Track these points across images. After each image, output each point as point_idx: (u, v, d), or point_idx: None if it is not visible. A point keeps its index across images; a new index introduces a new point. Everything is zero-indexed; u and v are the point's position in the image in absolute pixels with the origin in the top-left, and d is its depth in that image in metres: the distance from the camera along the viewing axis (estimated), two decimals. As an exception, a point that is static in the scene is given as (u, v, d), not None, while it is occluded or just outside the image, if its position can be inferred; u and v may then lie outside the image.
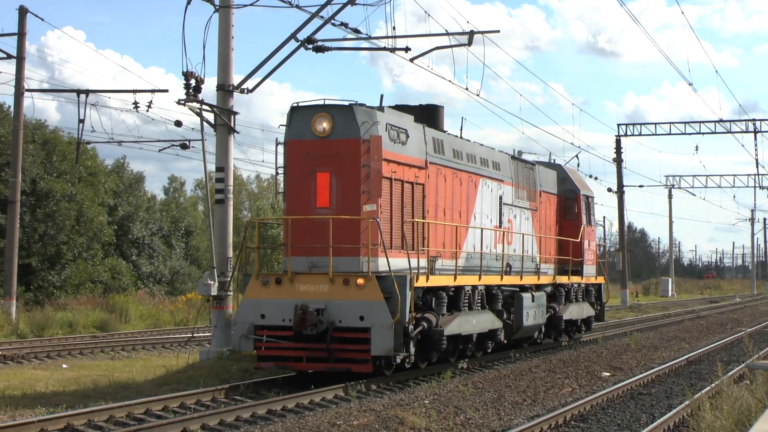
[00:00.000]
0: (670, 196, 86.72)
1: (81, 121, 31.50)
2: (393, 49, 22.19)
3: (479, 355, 21.93)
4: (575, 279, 27.85)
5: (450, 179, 20.70)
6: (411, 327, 17.46)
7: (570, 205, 28.36)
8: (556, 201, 27.98)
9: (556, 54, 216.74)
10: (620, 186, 60.10)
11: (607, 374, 20.14)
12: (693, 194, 76.81)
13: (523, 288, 23.40)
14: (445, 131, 21.18)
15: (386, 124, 18.10)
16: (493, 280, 21.91)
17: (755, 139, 56.69)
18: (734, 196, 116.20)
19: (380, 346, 16.90)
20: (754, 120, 57.08)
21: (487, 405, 15.22)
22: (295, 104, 18.05)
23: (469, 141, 22.39)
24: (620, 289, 62.49)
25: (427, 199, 19.50)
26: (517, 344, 24.78)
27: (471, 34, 22.59)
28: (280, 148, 18.50)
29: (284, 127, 18.25)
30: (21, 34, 33.44)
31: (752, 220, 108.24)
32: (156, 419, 14.00)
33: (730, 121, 57.01)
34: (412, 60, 22.60)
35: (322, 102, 18.01)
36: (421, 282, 18.03)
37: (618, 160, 59.80)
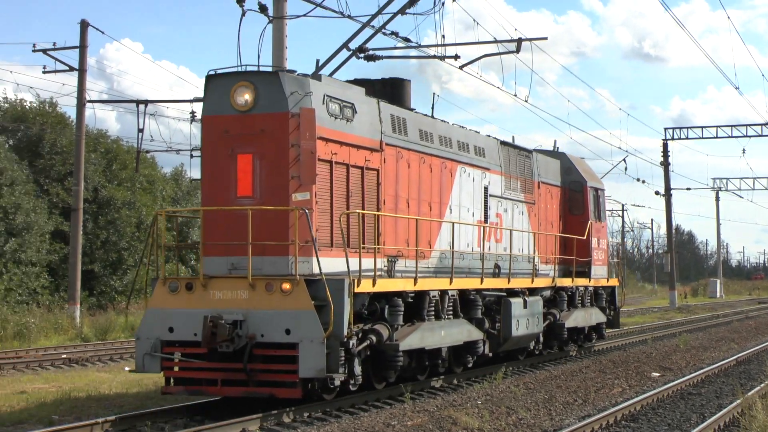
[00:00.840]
0: (717, 199, 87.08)
1: (140, 130, 32.32)
2: (443, 57, 22.42)
3: (458, 371, 19.13)
4: (581, 281, 24.48)
5: (416, 165, 17.62)
6: (353, 342, 14.40)
7: (576, 198, 25.11)
8: (559, 194, 24.75)
9: (602, 60, 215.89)
10: (668, 189, 61.00)
11: (657, 374, 20.24)
12: (740, 196, 76.85)
13: (513, 292, 20.30)
14: (412, 109, 18.06)
15: (324, 95, 15.02)
16: (470, 283, 18.64)
17: (805, 140, 56.29)
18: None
19: (310, 365, 13.81)
20: (800, 123, 56.63)
21: (539, 405, 15.36)
22: (212, 72, 14.98)
23: (445, 122, 19.15)
24: (669, 291, 62.82)
25: (382, 188, 16.43)
26: (511, 356, 22.00)
27: (519, 41, 22.59)
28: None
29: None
30: (82, 47, 34.36)
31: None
32: (215, 420, 14.34)
33: (776, 124, 56.63)
34: (461, 67, 22.78)
35: (243, 68, 15.10)
36: (365, 287, 14.71)
37: (665, 164, 60.23)
